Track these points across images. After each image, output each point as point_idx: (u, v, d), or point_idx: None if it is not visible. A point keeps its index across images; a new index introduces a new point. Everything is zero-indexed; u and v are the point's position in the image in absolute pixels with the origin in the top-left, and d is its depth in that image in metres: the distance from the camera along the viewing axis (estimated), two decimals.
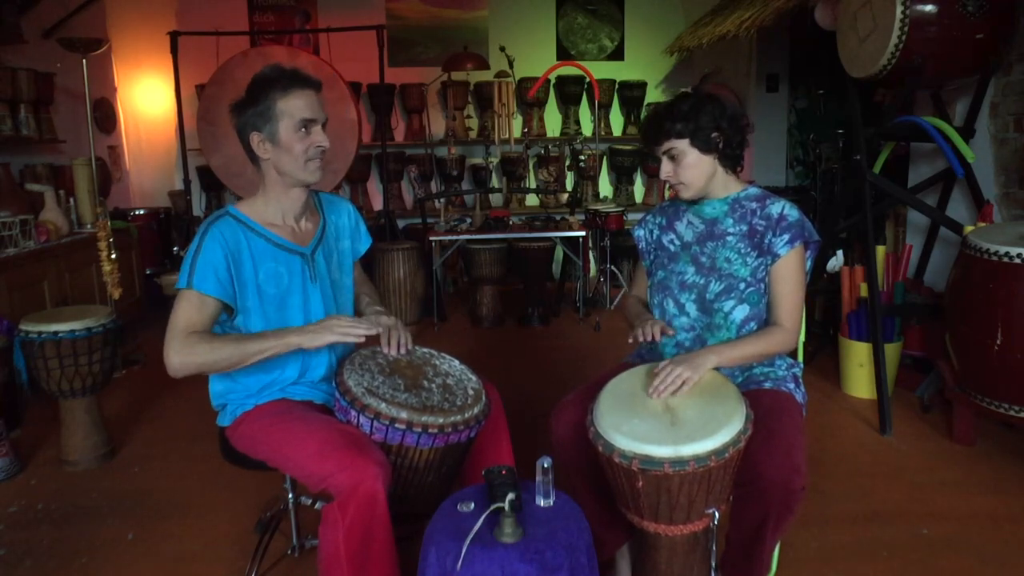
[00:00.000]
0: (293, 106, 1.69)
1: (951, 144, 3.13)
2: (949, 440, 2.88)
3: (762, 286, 1.81)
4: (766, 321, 1.83)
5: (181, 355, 1.61)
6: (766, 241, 1.79)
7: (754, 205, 1.84)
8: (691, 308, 1.85)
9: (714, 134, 1.78)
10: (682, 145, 1.77)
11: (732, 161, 1.84)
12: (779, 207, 1.81)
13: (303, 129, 1.70)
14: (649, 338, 1.78)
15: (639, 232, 2.03)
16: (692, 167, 1.79)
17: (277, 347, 1.65)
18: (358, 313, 1.99)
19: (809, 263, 1.86)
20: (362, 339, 1.67)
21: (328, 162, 1.88)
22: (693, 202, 1.91)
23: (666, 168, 1.81)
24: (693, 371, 1.63)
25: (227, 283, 1.67)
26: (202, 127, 4.69)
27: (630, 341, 1.84)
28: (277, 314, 1.76)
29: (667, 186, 1.91)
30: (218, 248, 1.67)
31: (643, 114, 6.28)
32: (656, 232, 1.99)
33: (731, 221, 1.85)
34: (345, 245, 1.95)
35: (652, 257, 1.99)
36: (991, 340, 2.55)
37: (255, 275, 1.72)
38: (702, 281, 1.84)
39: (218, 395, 1.82)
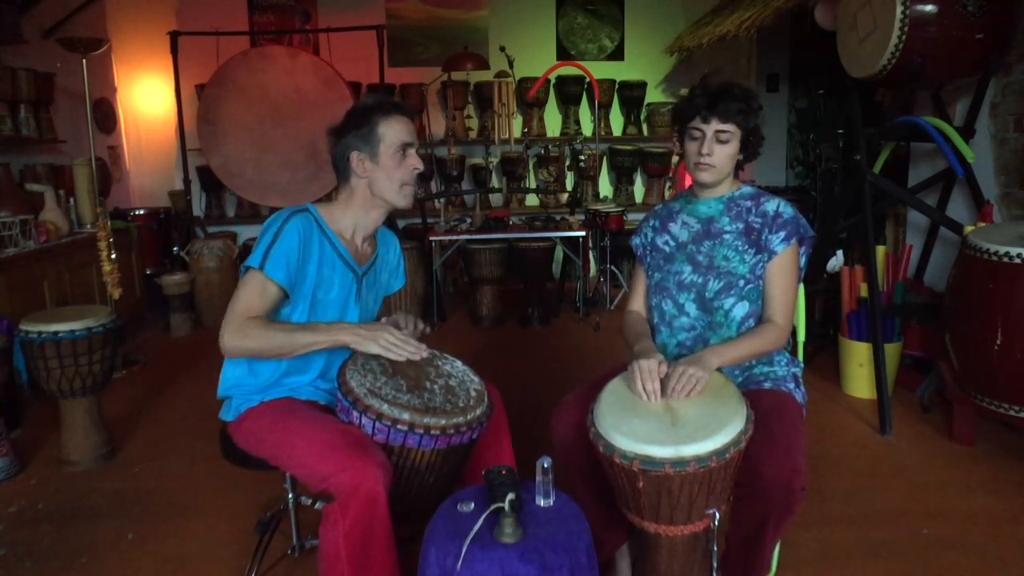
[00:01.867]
0: (393, 130, 1.78)
1: (951, 144, 3.12)
2: (949, 440, 2.88)
3: (761, 283, 1.84)
4: (761, 317, 1.85)
5: (235, 339, 1.65)
6: (763, 238, 1.82)
7: (749, 203, 1.88)
8: (691, 307, 1.86)
9: (751, 136, 1.84)
10: (737, 133, 1.81)
11: (741, 165, 1.91)
12: (774, 204, 1.85)
13: (401, 152, 1.79)
14: (645, 396, 1.62)
15: (635, 241, 2.05)
16: (730, 156, 1.83)
17: (326, 343, 1.69)
18: None
19: (804, 259, 1.90)
20: (402, 358, 1.69)
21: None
22: (687, 202, 1.95)
23: (710, 146, 1.81)
24: (704, 371, 1.65)
25: (293, 274, 1.73)
26: (202, 127, 4.67)
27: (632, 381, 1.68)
28: (313, 319, 1.79)
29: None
30: (295, 238, 1.72)
31: (643, 114, 6.28)
32: (651, 235, 2.00)
33: (727, 220, 1.88)
34: (384, 279, 2.02)
35: (648, 260, 2.00)
36: (991, 340, 2.55)
37: (316, 274, 1.77)
38: (700, 280, 1.85)
39: (227, 385, 1.82)
